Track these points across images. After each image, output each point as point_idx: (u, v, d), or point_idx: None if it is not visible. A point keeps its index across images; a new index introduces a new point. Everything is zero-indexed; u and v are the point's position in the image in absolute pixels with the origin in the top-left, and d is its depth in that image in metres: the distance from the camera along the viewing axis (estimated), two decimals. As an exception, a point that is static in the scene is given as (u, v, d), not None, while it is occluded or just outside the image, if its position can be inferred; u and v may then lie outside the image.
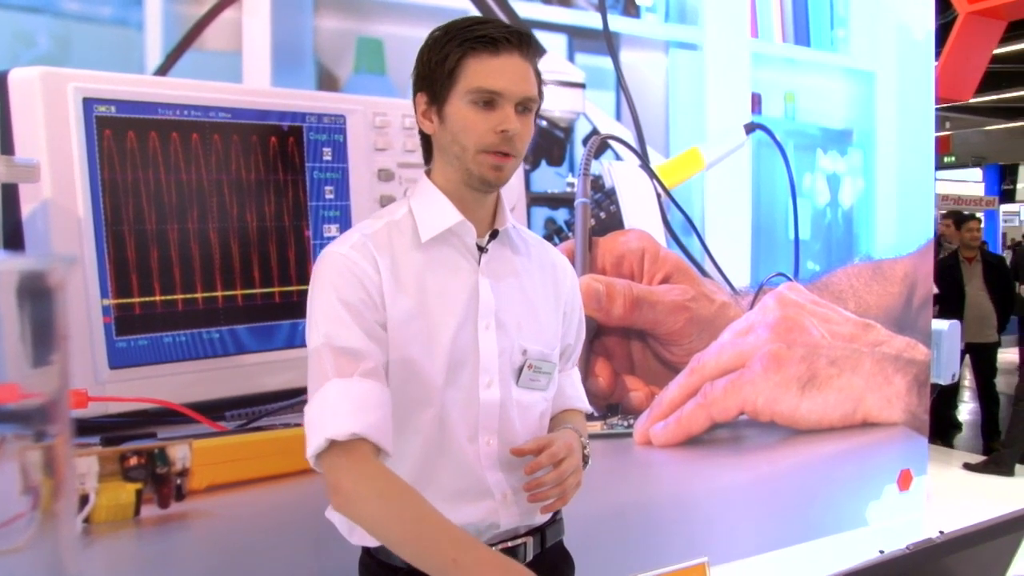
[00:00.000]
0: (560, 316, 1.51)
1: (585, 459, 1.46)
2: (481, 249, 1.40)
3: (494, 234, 1.41)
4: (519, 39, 1.33)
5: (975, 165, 18.60)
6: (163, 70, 1.83)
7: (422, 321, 1.35)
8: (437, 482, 1.36)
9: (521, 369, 1.42)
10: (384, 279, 1.33)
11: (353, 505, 1.27)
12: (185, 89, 1.82)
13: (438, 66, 1.34)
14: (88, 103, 1.71)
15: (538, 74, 1.37)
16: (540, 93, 1.38)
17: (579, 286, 1.59)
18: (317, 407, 1.27)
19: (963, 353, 5.20)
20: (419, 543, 1.25)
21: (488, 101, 1.31)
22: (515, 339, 1.41)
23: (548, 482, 1.36)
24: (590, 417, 1.65)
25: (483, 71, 1.31)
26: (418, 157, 1.61)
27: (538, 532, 1.46)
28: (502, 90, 1.31)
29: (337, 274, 1.32)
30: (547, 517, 1.48)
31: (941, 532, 1.09)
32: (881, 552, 1.06)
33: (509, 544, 1.42)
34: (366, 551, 1.43)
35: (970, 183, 18.32)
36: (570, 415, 1.57)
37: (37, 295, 0.65)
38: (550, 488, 1.36)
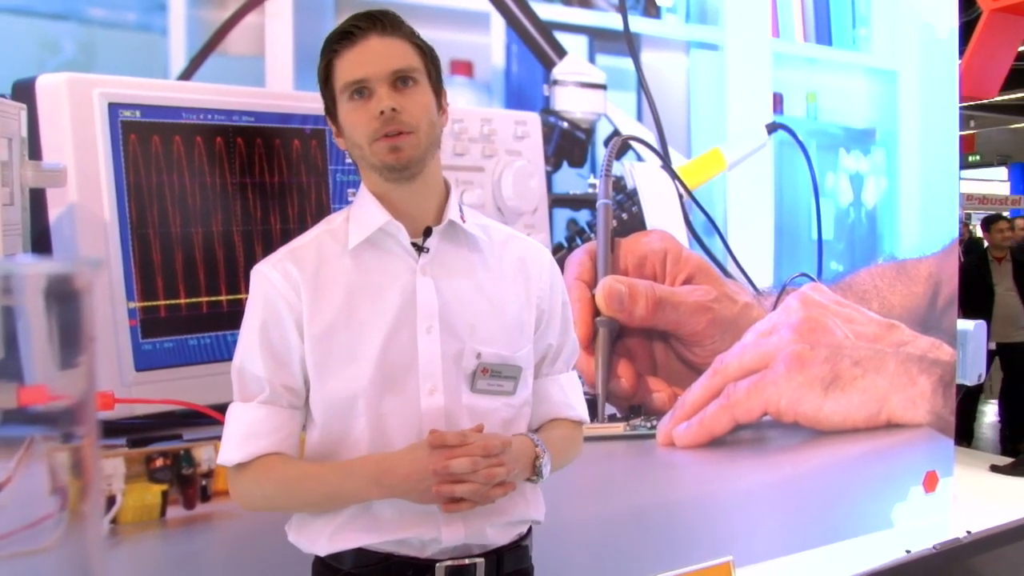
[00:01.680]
0: (533, 314, 1.43)
1: (536, 471, 1.37)
2: (420, 248, 1.36)
3: (428, 232, 1.36)
4: (371, 21, 1.32)
5: (1000, 164, 18.39)
6: (187, 75, 1.84)
7: (346, 331, 1.33)
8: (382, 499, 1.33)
9: (475, 374, 1.35)
10: (304, 294, 1.33)
11: (247, 504, 1.42)
12: (209, 93, 1.83)
13: (320, 82, 1.36)
14: (113, 108, 1.73)
15: (414, 43, 1.34)
16: (427, 60, 1.35)
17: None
18: (225, 426, 1.38)
19: (992, 354, 5.13)
20: (316, 505, 1.37)
21: (359, 91, 1.30)
22: (466, 341, 1.35)
23: (455, 468, 1.25)
24: (612, 418, 1.60)
25: (345, 66, 1.31)
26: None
27: (493, 555, 1.38)
28: (365, 76, 1.30)
29: (255, 294, 1.36)
30: (506, 540, 1.40)
31: (968, 532, 1.09)
32: (908, 552, 1.05)
33: (459, 562, 1.35)
34: (317, 558, 1.42)
35: (995, 182, 18.12)
36: (552, 425, 1.48)
37: (64, 298, 0.65)
38: (461, 476, 1.25)
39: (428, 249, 1.36)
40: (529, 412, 1.45)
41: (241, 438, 1.34)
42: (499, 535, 1.39)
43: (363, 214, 1.37)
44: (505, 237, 1.46)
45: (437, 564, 1.34)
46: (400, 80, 1.30)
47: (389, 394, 1.33)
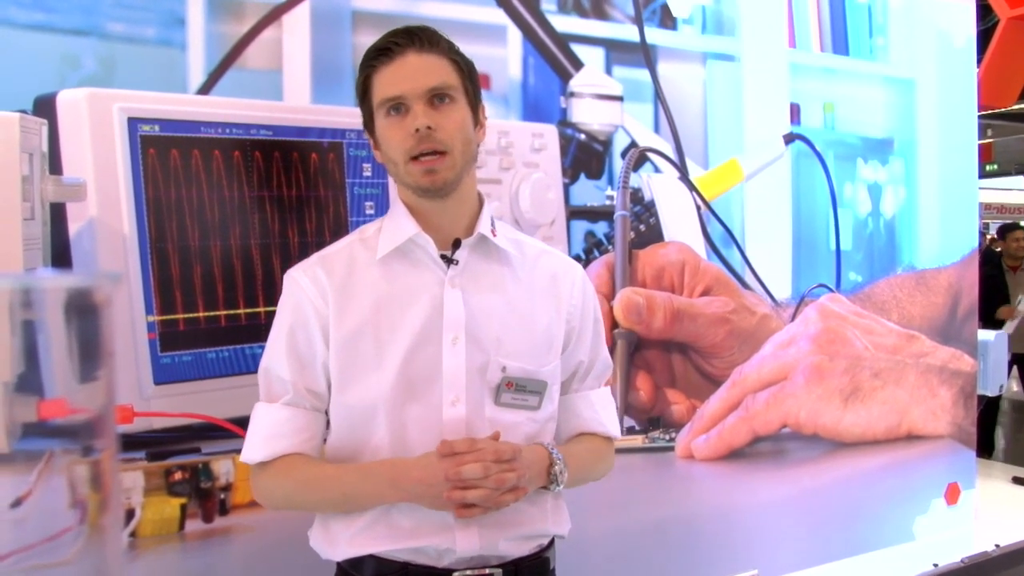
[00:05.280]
0: (562, 329, 1.43)
1: (553, 478, 1.36)
2: (449, 260, 1.37)
3: (457, 244, 1.37)
4: (409, 37, 1.32)
5: (1018, 173, 18.25)
6: (205, 89, 1.85)
7: (372, 338, 1.34)
8: (397, 502, 1.34)
9: (499, 387, 1.36)
10: (331, 299, 1.35)
11: (267, 502, 1.44)
12: (227, 107, 1.84)
13: (358, 97, 1.37)
14: (133, 123, 1.74)
15: (455, 60, 1.35)
16: (465, 76, 1.35)
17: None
18: (249, 425, 1.40)
19: (1011, 364, 5.08)
20: (335, 504, 1.39)
21: (396, 107, 1.31)
22: (492, 355, 1.35)
23: (467, 474, 1.25)
24: (631, 431, 1.60)
25: (383, 82, 1.32)
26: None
27: (511, 566, 1.37)
28: (402, 92, 1.30)
29: (285, 298, 1.39)
30: (524, 551, 1.39)
31: (997, 546, 1.07)
32: (935, 566, 1.04)
33: (476, 572, 1.35)
34: (338, 567, 1.43)
35: (1014, 191, 17.98)
36: (578, 439, 1.48)
37: (84, 312, 0.65)
38: (473, 482, 1.26)
39: (457, 261, 1.37)
40: (554, 427, 1.45)
41: (264, 437, 1.37)
42: (514, 548, 1.38)
43: (394, 225, 1.39)
44: (538, 252, 1.47)
45: (454, 573, 1.35)
46: (436, 97, 1.32)
47: (411, 403, 1.34)
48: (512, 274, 1.41)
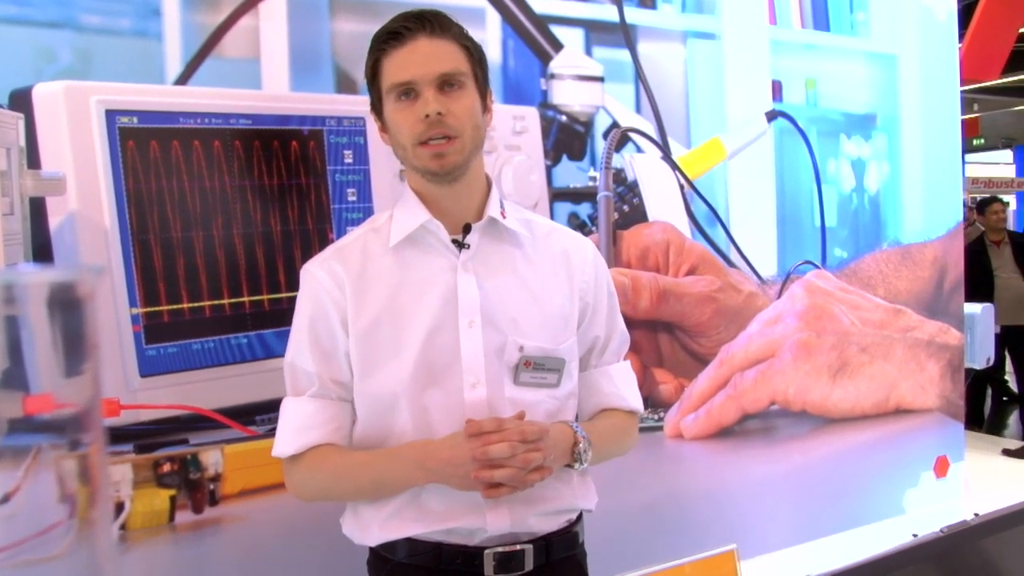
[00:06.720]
0: (576, 306, 1.45)
1: (576, 457, 1.38)
2: (460, 244, 1.38)
3: (467, 229, 1.38)
4: (420, 22, 1.32)
5: (1005, 147, 18.29)
6: (183, 79, 1.84)
7: (389, 327, 1.36)
8: (426, 485, 1.36)
9: (518, 366, 1.37)
10: (349, 292, 1.36)
11: (302, 494, 1.44)
12: (205, 97, 1.83)
13: (367, 79, 1.37)
14: (111, 115, 1.73)
15: (465, 45, 1.35)
16: (475, 62, 1.36)
17: (605, 273, 1.52)
18: (279, 420, 1.42)
19: (999, 337, 5.11)
20: (367, 491, 1.41)
21: (406, 92, 1.31)
22: (508, 335, 1.37)
23: (493, 454, 1.27)
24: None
25: (393, 66, 1.32)
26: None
27: (542, 541, 1.40)
28: (412, 78, 1.31)
29: (304, 292, 1.40)
30: (554, 527, 1.42)
31: (976, 514, 1.08)
32: (915, 536, 1.05)
33: (507, 549, 1.37)
34: (371, 551, 1.45)
35: (1001, 165, 18.02)
36: (602, 415, 1.50)
37: (67, 306, 0.65)
38: (500, 462, 1.27)
39: (468, 245, 1.38)
40: (575, 404, 1.47)
41: (293, 431, 1.39)
42: (544, 523, 1.41)
43: (405, 212, 1.40)
44: (548, 231, 1.48)
45: (486, 551, 1.37)
46: (446, 83, 1.32)
47: (432, 388, 1.36)
48: (523, 254, 1.42)
